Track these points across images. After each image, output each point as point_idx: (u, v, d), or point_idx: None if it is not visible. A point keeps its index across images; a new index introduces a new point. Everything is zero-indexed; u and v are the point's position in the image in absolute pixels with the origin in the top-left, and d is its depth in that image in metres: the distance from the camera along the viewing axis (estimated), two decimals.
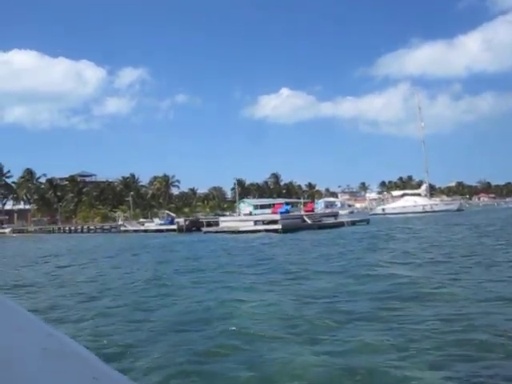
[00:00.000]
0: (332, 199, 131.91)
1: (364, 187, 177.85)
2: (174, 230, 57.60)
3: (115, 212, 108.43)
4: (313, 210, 50.75)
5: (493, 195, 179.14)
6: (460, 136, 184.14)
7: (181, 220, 59.76)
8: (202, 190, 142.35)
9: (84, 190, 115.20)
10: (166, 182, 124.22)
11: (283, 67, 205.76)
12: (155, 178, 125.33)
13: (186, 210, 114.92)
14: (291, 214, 48.08)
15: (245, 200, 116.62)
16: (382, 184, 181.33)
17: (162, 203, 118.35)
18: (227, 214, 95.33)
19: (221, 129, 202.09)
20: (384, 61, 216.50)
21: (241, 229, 45.26)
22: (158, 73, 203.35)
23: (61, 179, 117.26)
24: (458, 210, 79.69)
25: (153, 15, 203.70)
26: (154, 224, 65.37)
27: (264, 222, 46.51)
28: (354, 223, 46.95)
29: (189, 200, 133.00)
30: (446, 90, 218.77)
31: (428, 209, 77.69)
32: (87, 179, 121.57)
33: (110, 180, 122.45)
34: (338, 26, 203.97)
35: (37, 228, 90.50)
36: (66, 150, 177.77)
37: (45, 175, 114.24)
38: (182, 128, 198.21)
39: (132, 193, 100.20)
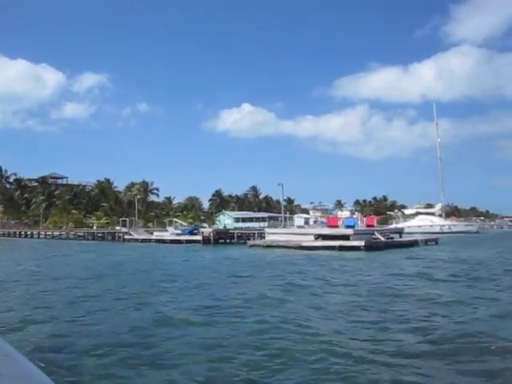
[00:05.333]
0: (306, 215, 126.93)
1: (340, 205, 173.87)
2: (197, 242, 49.91)
3: (90, 218, 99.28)
4: (373, 225, 44.60)
5: (462, 219, 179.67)
6: (417, 160, 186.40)
7: (207, 230, 52.14)
8: (177, 199, 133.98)
9: (55, 192, 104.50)
10: (144, 188, 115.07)
11: (245, 82, 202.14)
12: (132, 184, 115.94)
13: (166, 220, 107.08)
14: (359, 228, 41.49)
15: (225, 212, 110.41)
16: (357, 202, 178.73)
17: (141, 211, 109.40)
18: (205, 225, 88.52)
19: (184, 140, 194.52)
20: (342, 83, 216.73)
21: (303, 244, 38.36)
22: (118, 80, 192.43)
23: (29, 180, 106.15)
24: (477, 232, 76.18)
25: (114, 21, 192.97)
26: (169, 233, 57.21)
27: (322, 237, 39.88)
28: (426, 242, 41.22)
29: (164, 209, 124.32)
30: (402, 115, 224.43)
31: (446, 229, 73.50)
32: (59, 181, 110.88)
33: (83, 184, 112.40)
34: (297, 46, 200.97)
35: (10, 231, 79.72)
36: (23, 151, 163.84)
37: (15, 174, 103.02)
38: (143, 136, 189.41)
39: (139, 199, 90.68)
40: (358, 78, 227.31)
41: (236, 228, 68.93)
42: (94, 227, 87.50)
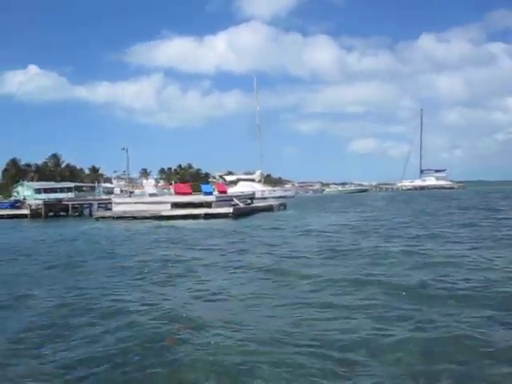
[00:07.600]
0: (110, 185, 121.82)
1: (146, 173, 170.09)
2: (23, 216, 43.33)
3: None
4: (225, 192, 43.73)
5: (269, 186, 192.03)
6: (211, 129, 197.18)
7: (35, 202, 45.47)
8: None
9: None
10: None
11: (31, 43, 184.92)
12: None
13: None
14: (221, 195, 39.91)
15: (24, 183, 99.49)
16: (162, 171, 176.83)
17: None
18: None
19: None
20: (137, 49, 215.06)
21: (164, 213, 35.74)
22: None
23: None
24: (293, 196, 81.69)
25: None
26: None
27: (179, 205, 37.64)
28: (279, 207, 41.96)
29: None
30: (197, 85, 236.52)
31: (266, 195, 76.79)
32: None
33: None
34: (90, 8, 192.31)
35: None
36: None
37: None
38: None
39: None
40: (152, 46, 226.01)
41: (38, 199, 60.73)
42: None
